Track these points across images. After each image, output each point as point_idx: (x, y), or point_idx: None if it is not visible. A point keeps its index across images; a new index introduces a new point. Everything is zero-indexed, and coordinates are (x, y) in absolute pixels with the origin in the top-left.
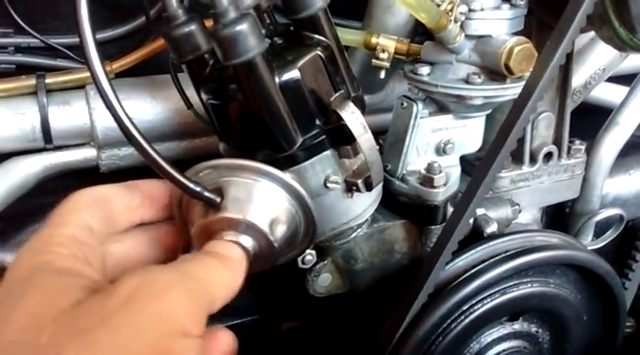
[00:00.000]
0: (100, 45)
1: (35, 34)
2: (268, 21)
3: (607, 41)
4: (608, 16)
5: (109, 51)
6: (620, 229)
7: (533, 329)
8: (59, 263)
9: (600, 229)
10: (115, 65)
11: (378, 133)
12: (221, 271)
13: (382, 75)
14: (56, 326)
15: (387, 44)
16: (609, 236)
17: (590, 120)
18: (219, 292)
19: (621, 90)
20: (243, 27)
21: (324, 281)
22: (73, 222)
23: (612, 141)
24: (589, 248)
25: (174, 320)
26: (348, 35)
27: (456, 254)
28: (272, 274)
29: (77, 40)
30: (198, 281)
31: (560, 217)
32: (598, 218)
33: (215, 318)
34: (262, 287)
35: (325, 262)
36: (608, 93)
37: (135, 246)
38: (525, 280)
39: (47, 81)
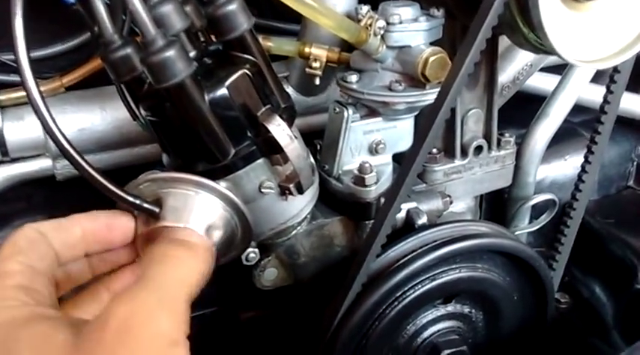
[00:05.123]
0: (51, 59)
1: None
2: (203, 38)
3: (520, 46)
4: (516, 24)
5: (59, 64)
6: (554, 212)
7: (466, 310)
8: (21, 314)
9: (540, 213)
10: (65, 79)
11: (321, 132)
12: (192, 261)
13: (317, 81)
14: None
15: (319, 54)
16: (544, 219)
17: (529, 108)
18: (195, 282)
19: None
20: (170, 53)
21: (270, 275)
22: (13, 270)
23: (543, 132)
24: (525, 231)
25: (167, 337)
26: (284, 46)
27: (388, 246)
28: (229, 266)
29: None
30: (175, 286)
31: (499, 203)
32: (531, 203)
33: None
34: (221, 279)
35: (270, 258)
36: (544, 83)
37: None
38: (454, 266)
39: (0, 97)
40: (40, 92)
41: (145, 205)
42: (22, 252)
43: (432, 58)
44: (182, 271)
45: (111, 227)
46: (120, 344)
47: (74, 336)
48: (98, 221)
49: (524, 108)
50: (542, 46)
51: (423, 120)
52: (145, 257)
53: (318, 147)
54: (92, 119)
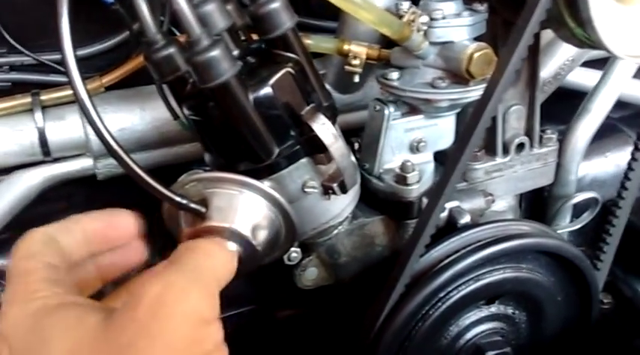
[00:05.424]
0: (90, 59)
1: (27, 52)
2: (244, 37)
3: (566, 40)
4: (563, 18)
5: (98, 64)
6: (595, 211)
7: (510, 311)
8: (51, 302)
9: (581, 211)
10: (105, 79)
11: (358, 130)
12: (222, 254)
13: (356, 79)
14: (98, 351)
15: (359, 51)
16: (585, 218)
17: (570, 104)
18: (224, 274)
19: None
20: (215, 53)
21: (311, 274)
22: (36, 267)
23: (585, 128)
24: (566, 230)
25: (199, 315)
26: (323, 43)
27: (431, 246)
28: (266, 265)
29: None
30: (206, 271)
31: (539, 201)
32: (573, 201)
33: None
34: (258, 278)
35: (311, 257)
36: (585, 78)
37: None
38: (498, 267)
39: (42, 98)
40: (87, 91)
41: (192, 205)
42: (39, 252)
43: (477, 54)
44: (213, 261)
45: (112, 225)
46: (153, 320)
47: (106, 317)
48: (99, 220)
49: (564, 104)
50: (589, 41)
51: (468, 117)
52: (177, 249)
53: (356, 145)
54: (132, 119)
